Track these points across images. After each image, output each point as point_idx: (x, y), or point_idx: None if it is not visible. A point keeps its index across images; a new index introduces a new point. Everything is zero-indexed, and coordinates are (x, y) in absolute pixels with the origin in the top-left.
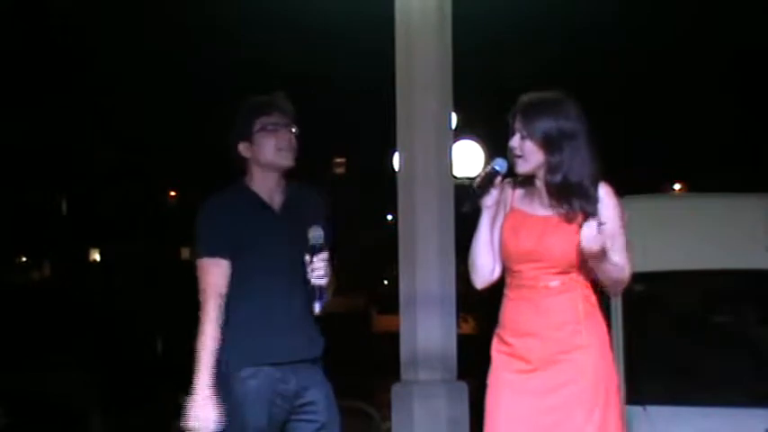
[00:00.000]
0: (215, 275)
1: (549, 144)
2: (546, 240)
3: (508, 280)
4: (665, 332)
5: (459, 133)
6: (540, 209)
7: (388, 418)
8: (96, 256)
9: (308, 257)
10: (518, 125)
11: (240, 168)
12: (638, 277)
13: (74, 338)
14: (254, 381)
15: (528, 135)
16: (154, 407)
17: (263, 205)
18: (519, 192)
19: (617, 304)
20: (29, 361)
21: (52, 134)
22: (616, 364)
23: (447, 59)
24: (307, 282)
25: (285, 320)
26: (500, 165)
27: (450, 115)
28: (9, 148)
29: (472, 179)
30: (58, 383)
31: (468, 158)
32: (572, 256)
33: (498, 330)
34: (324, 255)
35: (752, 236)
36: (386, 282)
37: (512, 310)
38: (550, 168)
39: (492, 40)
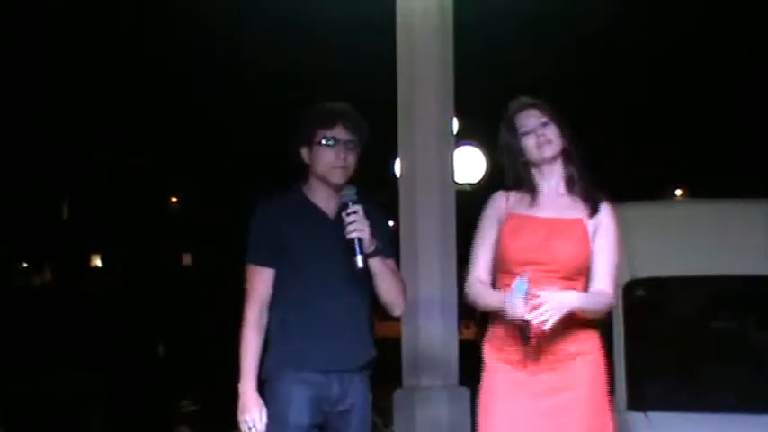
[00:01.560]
0: (258, 282)
1: (563, 131)
2: (552, 242)
3: (506, 281)
4: (667, 338)
5: (461, 138)
6: (544, 211)
7: (389, 423)
8: (97, 261)
9: (343, 215)
10: (536, 113)
11: (299, 171)
12: (639, 283)
13: (75, 343)
14: (295, 384)
15: (550, 120)
16: (155, 411)
17: (315, 211)
18: (513, 199)
19: (618, 310)
20: (29, 365)
21: (53, 139)
22: (618, 370)
23: (448, 64)
24: (364, 290)
25: (329, 327)
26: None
27: (451, 120)
28: (10, 153)
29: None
30: (59, 387)
31: (469, 164)
32: (576, 261)
33: (491, 335)
34: (357, 208)
35: (754, 242)
36: None
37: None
38: (569, 154)
39: (494, 44)
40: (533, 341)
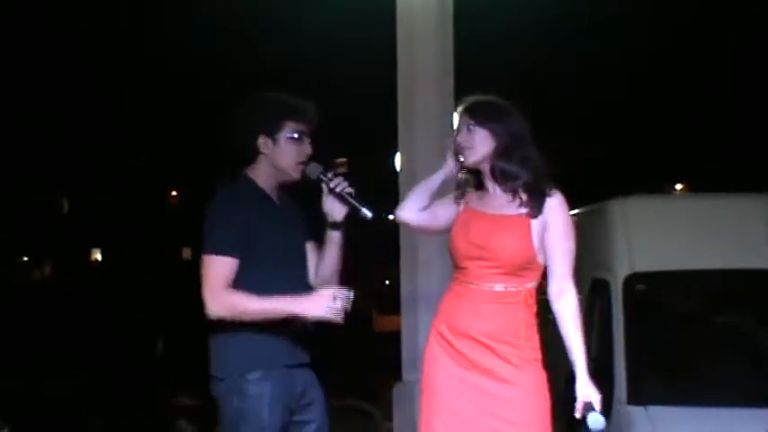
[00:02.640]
0: (226, 272)
1: (495, 137)
2: (495, 239)
3: (455, 274)
4: (667, 332)
5: None
6: (491, 208)
7: (389, 417)
8: (98, 256)
9: (323, 185)
10: (464, 120)
11: (247, 156)
12: (639, 277)
13: (74, 339)
14: (267, 382)
15: (475, 129)
16: (154, 408)
17: (270, 201)
18: (475, 194)
19: (618, 304)
20: (28, 361)
21: (53, 134)
22: (617, 364)
23: (448, 59)
24: (307, 277)
25: (291, 321)
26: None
27: (451, 115)
28: (10, 149)
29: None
30: (58, 384)
31: None
32: (518, 258)
33: (436, 322)
34: (333, 173)
35: (753, 236)
36: (387, 282)
37: (450, 303)
38: (494, 158)
39: (493, 39)
40: None
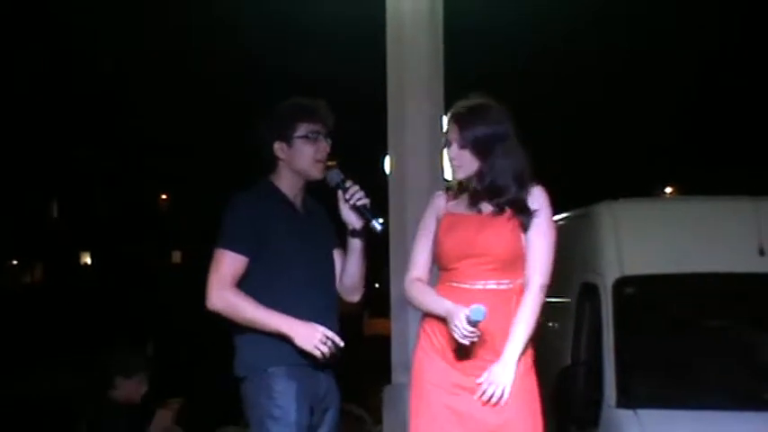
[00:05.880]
0: (234, 268)
1: (483, 151)
2: (484, 235)
3: (444, 277)
4: (656, 335)
5: None
6: (475, 209)
7: (379, 420)
8: (88, 259)
9: (340, 195)
10: (454, 135)
11: (267, 165)
12: (629, 280)
13: (63, 341)
14: (293, 380)
15: (465, 144)
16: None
17: (290, 205)
18: (451, 201)
19: (607, 308)
20: (17, 364)
21: (44, 138)
22: (607, 367)
23: (438, 62)
24: (332, 284)
25: (317, 321)
26: None
27: (441, 118)
28: (1, 152)
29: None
30: (47, 386)
31: None
32: (508, 252)
33: (425, 324)
34: (351, 182)
35: (743, 239)
36: (377, 284)
37: None
38: (481, 175)
39: (484, 43)
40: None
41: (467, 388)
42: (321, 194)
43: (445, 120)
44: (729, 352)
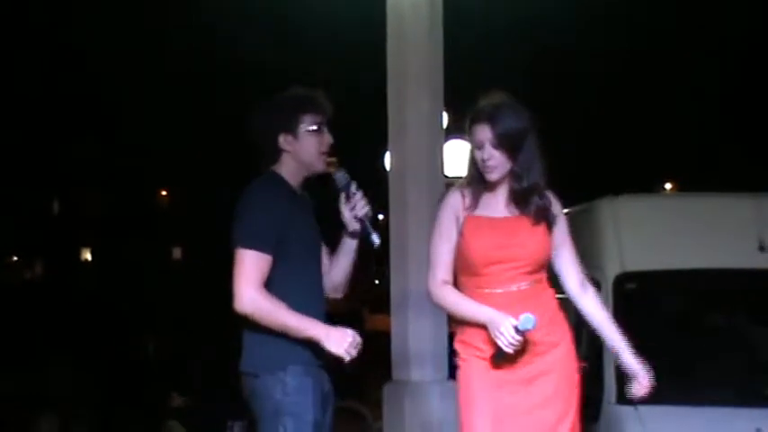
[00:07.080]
0: (263, 268)
1: (517, 148)
2: (516, 238)
3: (471, 284)
4: (656, 331)
5: (451, 132)
6: (504, 210)
7: (379, 417)
8: (88, 256)
9: (342, 198)
10: (485, 134)
11: (269, 157)
12: (629, 276)
13: (65, 337)
14: (309, 378)
15: (499, 143)
16: (145, 405)
17: (299, 199)
18: (468, 199)
19: (608, 303)
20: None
21: (44, 135)
22: (607, 363)
23: (438, 58)
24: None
25: (323, 318)
26: None
27: (441, 114)
28: (1, 149)
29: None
30: (50, 382)
31: (459, 158)
32: (545, 254)
33: (462, 336)
34: (356, 189)
35: (743, 235)
36: (377, 281)
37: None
38: (516, 175)
39: (484, 37)
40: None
41: (511, 381)
42: (311, 188)
43: (472, 122)
44: (730, 348)
